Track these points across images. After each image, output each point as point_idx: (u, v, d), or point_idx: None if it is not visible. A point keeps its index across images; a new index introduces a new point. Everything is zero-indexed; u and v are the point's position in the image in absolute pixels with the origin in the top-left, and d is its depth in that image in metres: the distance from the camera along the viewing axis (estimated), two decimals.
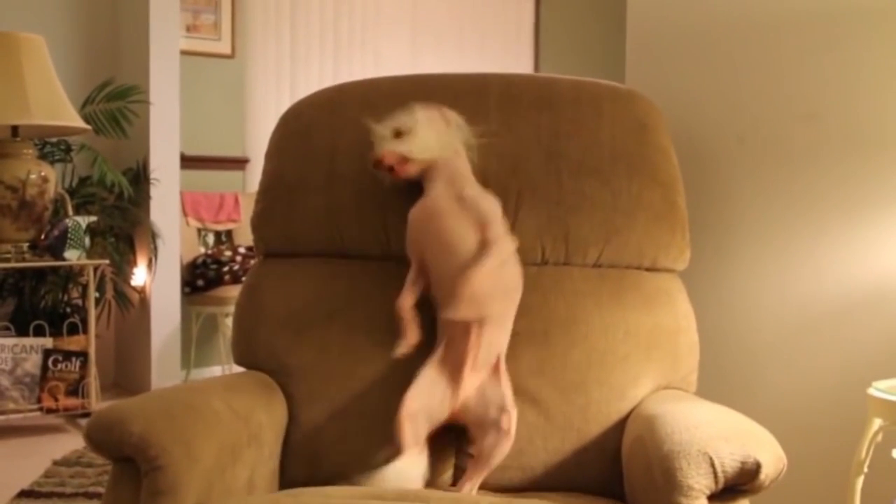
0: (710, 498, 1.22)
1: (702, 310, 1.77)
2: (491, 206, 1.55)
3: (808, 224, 1.88)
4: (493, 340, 1.52)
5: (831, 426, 1.80)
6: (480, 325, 1.49)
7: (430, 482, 1.50)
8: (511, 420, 1.48)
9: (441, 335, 1.54)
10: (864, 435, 1.51)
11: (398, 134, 1.54)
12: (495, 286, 1.51)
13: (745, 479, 1.22)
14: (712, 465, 1.20)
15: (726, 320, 2.01)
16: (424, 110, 1.58)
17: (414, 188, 1.61)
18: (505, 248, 1.53)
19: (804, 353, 1.88)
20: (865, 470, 1.52)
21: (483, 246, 1.49)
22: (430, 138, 1.55)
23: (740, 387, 1.96)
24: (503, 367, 1.53)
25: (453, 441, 1.55)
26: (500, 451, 1.48)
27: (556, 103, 1.71)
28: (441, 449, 1.54)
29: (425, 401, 1.48)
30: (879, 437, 1.50)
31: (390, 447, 1.47)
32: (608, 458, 1.51)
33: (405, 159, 1.53)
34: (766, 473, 1.21)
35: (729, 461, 1.20)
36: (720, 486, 1.21)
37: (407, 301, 1.53)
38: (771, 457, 1.23)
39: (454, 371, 1.51)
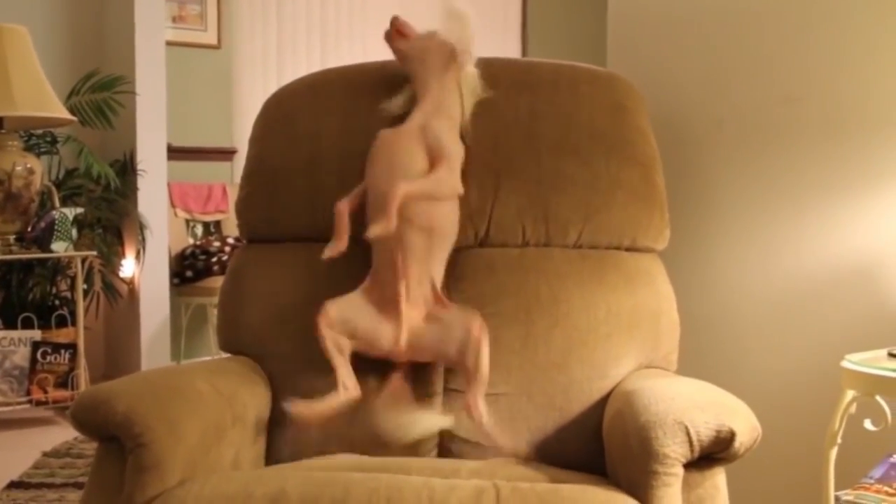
0: (686, 466, 1.25)
1: (682, 289, 1.78)
2: (450, 144, 1.57)
3: (786, 204, 1.90)
4: (420, 274, 1.54)
5: (808, 400, 1.82)
6: (403, 259, 1.52)
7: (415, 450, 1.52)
8: (479, 324, 1.49)
9: (372, 272, 1.58)
10: (837, 407, 1.53)
11: (405, 31, 1.64)
12: (418, 217, 1.52)
13: (719, 447, 1.24)
14: (688, 434, 1.22)
15: (707, 299, 2.03)
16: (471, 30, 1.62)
17: None
18: (444, 182, 1.55)
19: (783, 330, 1.90)
20: (839, 441, 1.54)
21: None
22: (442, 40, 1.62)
23: (720, 364, 1.99)
24: (445, 298, 1.55)
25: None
26: (483, 358, 1.49)
27: (534, 85, 1.73)
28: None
29: (347, 316, 1.52)
30: (853, 409, 1.52)
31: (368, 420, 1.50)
32: (590, 435, 1.52)
33: (403, 33, 1.61)
34: (741, 441, 1.24)
35: (704, 429, 1.23)
36: (696, 454, 1.24)
37: (344, 204, 1.56)
38: (745, 425, 1.25)
39: (389, 306, 1.53)
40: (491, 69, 1.74)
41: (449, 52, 1.62)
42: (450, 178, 1.57)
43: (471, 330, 1.50)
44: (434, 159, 1.54)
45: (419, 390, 1.56)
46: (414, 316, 1.54)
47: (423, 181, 1.53)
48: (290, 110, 1.79)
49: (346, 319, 1.52)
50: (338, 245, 1.54)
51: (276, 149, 1.78)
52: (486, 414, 1.49)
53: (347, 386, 1.49)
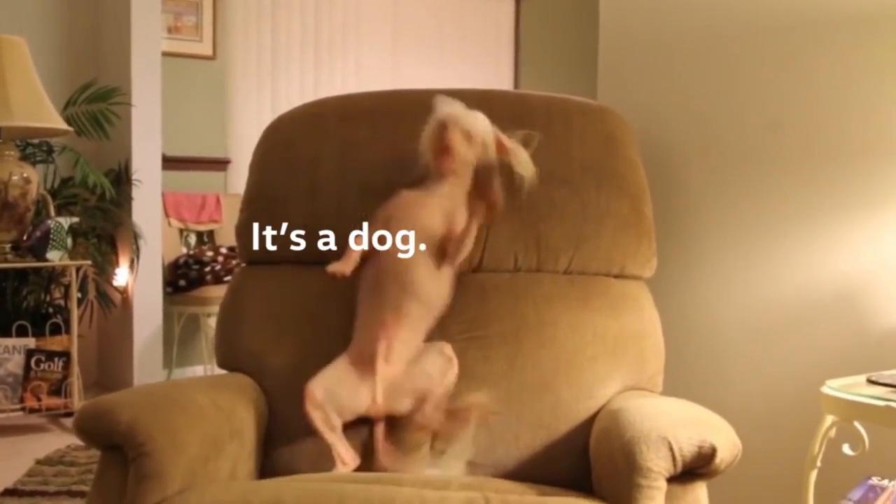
0: (669, 480, 1.29)
1: (668, 314, 1.83)
2: (463, 217, 1.63)
3: (769, 231, 1.95)
4: (407, 339, 1.59)
5: (788, 423, 1.87)
6: (397, 320, 1.57)
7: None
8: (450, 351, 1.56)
9: (355, 330, 1.62)
10: (817, 431, 1.57)
11: (468, 137, 1.62)
12: (425, 290, 1.60)
13: (701, 462, 1.28)
14: (671, 449, 1.27)
15: (691, 324, 2.07)
16: (489, 124, 1.66)
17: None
18: (469, 248, 1.63)
19: (765, 354, 1.95)
20: (818, 464, 1.58)
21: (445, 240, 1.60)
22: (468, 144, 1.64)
23: (704, 387, 2.03)
24: (426, 352, 1.60)
25: None
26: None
27: (528, 117, 1.77)
28: None
29: (331, 390, 1.55)
30: (832, 433, 1.56)
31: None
32: (577, 453, 1.56)
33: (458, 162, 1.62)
34: (722, 457, 1.28)
35: (686, 445, 1.27)
36: (678, 468, 1.28)
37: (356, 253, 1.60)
38: (726, 442, 1.30)
39: (367, 364, 1.57)
40: (485, 101, 1.78)
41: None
42: (468, 249, 1.64)
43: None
44: (450, 225, 1.61)
45: (406, 443, 1.58)
46: (391, 371, 1.57)
47: (468, 234, 1.60)
48: (289, 138, 1.84)
49: (330, 394, 1.54)
50: (341, 267, 1.59)
51: (275, 175, 1.82)
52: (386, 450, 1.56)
53: (345, 460, 1.53)
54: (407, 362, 1.59)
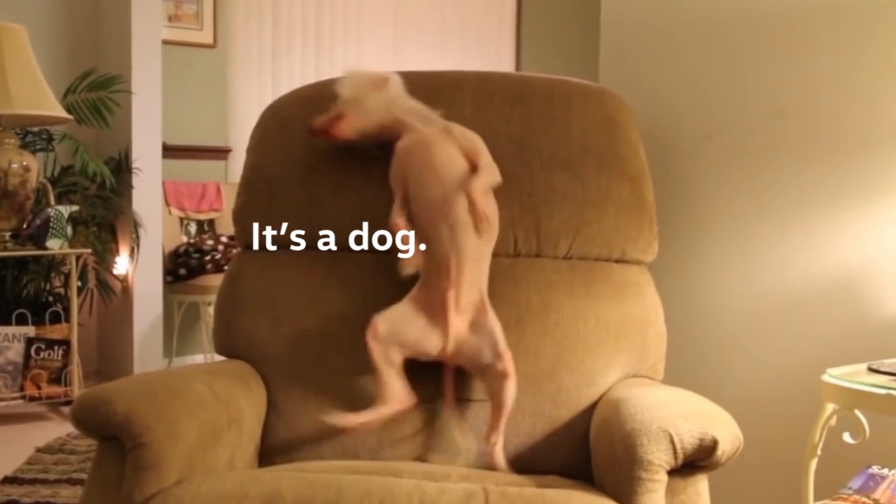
0: (670, 473, 1.28)
1: (670, 300, 1.82)
2: (477, 137, 1.59)
3: (771, 217, 1.94)
4: (472, 279, 1.55)
5: (789, 412, 1.86)
6: (458, 263, 1.53)
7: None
8: (507, 361, 1.51)
9: (419, 276, 1.58)
10: (817, 419, 1.56)
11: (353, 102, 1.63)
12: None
13: (702, 455, 1.27)
14: (672, 442, 1.26)
15: (693, 311, 2.07)
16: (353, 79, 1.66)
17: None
18: (494, 173, 1.58)
19: (766, 342, 1.94)
20: (819, 453, 1.57)
21: (473, 171, 1.55)
22: (362, 99, 1.63)
23: (705, 375, 2.02)
24: (488, 305, 1.56)
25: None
26: (509, 393, 1.52)
27: (528, 99, 1.76)
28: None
29: (396, 328, 1.52)
30: (833, 422, 1.55)
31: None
32: (577, 442, 1.56)
33: (337, 117, 1.61)
34: (723, 450, 1.27)
35: (687, 438, 1.26)
36: (679, 461, 1.27)
37: (400, 218, 1.56)
38: (728, 434, 1.28)
39: (437, 312, 1.54)
40: (485, 82, 1.77)
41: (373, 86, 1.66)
42: (494, 168, 1.58)
43: (499, 368, 1.51)
44: (472, 155, 1.56)
45: (426, 393, 1.58)
46: (460, 322, 1.54)
47: (483, 172, 1.54)
48: (286, 120, 1.82)
49: (394, 332, 1.52)
50: (414, 259, 1.54)
51: (272, 158, 1.81)
52: (500, 449, 1.53)
53: (388, 400, 1.51)
54: (473, 310, 1.55)
